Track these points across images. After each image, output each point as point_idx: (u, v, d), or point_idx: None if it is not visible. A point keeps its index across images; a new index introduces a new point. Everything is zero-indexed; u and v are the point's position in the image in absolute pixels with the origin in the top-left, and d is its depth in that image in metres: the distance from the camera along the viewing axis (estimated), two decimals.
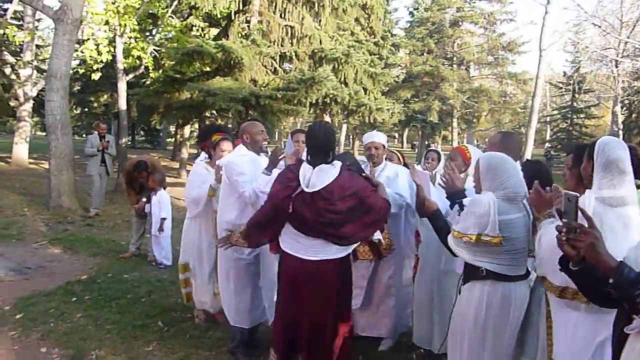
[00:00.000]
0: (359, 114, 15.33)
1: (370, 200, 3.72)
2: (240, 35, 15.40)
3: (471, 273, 3.15)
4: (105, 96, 32.98)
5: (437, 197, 3.82)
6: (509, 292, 3.04)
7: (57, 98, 11.93)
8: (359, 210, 3.68)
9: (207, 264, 5.22)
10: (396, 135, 63.32)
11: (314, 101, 14.19)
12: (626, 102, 38.18)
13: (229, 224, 4.39)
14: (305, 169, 3.70)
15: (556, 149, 42.74)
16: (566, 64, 44.66)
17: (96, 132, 12.20)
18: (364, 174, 4.08)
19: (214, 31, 18.74)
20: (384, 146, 4.97)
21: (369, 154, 4.93)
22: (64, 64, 12.18)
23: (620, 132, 35.61)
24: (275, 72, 15.34)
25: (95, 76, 19.79)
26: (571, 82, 45.13)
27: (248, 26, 15.67)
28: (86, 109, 35.84)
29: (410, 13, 32.78)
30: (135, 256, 8.48)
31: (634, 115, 46.19)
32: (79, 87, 31.58)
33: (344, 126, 36.34)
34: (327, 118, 20.22)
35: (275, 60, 15.79)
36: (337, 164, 3.72)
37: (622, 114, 37.23)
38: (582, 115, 46.65)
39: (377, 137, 4.98)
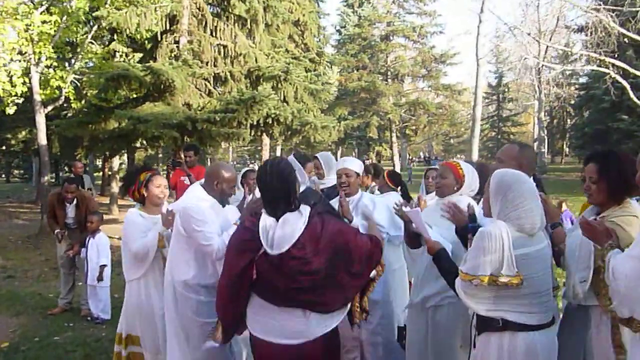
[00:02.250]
0: (302, 134, 14.48)
1: (354, 244, 2.92)
2: (169, 57, 14.29)
3: (485, 322, 2.65)
4: (24, 132, 30.76)
5: (438, 232, 3.34)
6: (534, 343, 2.55)
7: None
8: (341, 261, 2.88)
9: (161, 333, 4.16)
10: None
11: (254, 122, 13.25)
12: (547, 108, 39.80)
13: (184, 286, 3.70)
14: (265, 224, 2.89)
15: (487, 157, 43.68)
16: (489, 75, 46.34)
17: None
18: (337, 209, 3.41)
19: (139, 56, 17.51)
20: (357, 174, 4.37)
21: (339, 182, 4.34)
22: None
23: (545, 137, 37.04)
24: (210, 94, 14.29)
25: (11, 110, 18.14)
26: (495, 92, 47.02)
27: (177, 47, 14.58)
28: (3, 147, 33.50)
29: (338, 31, 32.55)
30: (67, 311, 7.30)
31: (555, 121, 48.64)
32: None
33: (278, 148, 35.54)
34: (265, 139, 19.32)
35: (209, 82, 14.75)
36: (304, 209, 2.93)
37: (545, 120, 38.80)
38: (508, 123, 48.51)
39: (349, 164, 4.40)
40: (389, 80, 28.89)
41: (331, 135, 21.07)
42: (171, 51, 14.58)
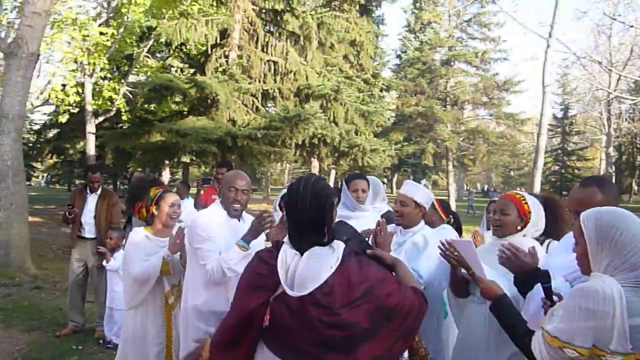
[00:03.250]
0: (350, 156, 13.69)
1: (394, 299, 2.21)
2: (217, 71, 13.90)
3: None
4: (82, 142, 31.37)
5: (495, 277, 2.71)
6: None
7: (8, 141, 10.33)
8: (377, 318, 2.18)
9: None
10: (385, 180, 62.14)
11: (299, 142, 12.59)
12: (615, 143, 37.95)
13: (194, 312, 3.37)
14: (286, 256, 2.27)
15: (549, 192, 41.69)
16: (555, 106, 44.51)
17: None
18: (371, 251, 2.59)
19: (192, 71, 17.33)
20: (418, 204, 3.74)
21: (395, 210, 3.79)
22: (18, 103, 10.62)
23: (613, 174, 35.03)
24: (257, 111, 13.77)
25: (63, 119, 18.32)
26: (561, 124, 44.99)
27: (227, 61, 14.18)
28: (62, 156, 34.28)
29: (398, 56, 31.78)
30: (78, 332, 6.56)
31: (624, 157, 46.06)
32: (54, 134, 30.04)
33: (332, 172, 34.83)
34: (314, 162, 18.66)
35: (256, 98, 14.26)
36: (338, 245, 2.29)
37: (613, 155, 36.94)
38: (573, 157, 46.23)
39: (410, 189, 3.80)
40: (448, 106, 27.77)
41: (384, 160, 20.20)
42: (220, 65, 14.19)
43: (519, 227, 3.09)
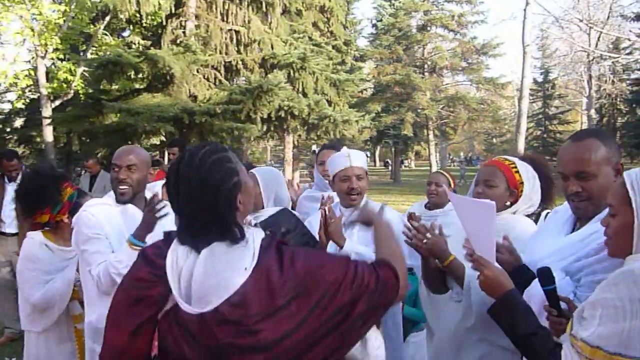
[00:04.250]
0: (321, 129, 12.75)
1: (345, 289, 1.59)
2: (174, 44, 12.81)
3: None
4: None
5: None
6: None
7: None
8: (324, 324, 1.57)
9: None
10: (368, 154, 61.39)
11: (265, 116, 11.64)
12: (597, 106, 37.74)
13: (90, 330, 2.76)
14: (176, 257, 1.59)
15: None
16: (535, 71, 43.83)
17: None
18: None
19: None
20: (366, 172, 3.12)
21: (348, 189, 3.02)
22: None
23: None
24: (220, 85, 12.74)
25: (19, 104, 17.23)
26: (541, 88, 44.48)
27: (184, 33, 13.09)
28: (30, 146, 32.96)
29: (374, 25, 30.72)
30: (15, 340, 5.76)
31: (604, 119, 45.82)
32: (21, 123, 28.73)
33: (314, 147, 33.91)
34: (287, 137, 17.75)
35: (219, 71, 13.23)
36: (254, 237, 1.63)
37: (594, 118, 36.72)
38: (555, 122, 45.83)
39: (357, 159, 3.08)
40: (426, 73, 26.82)
41: (361, 132, 19.33)
42: (177, 37, 13.09)
43: (507, 203, 2.46)
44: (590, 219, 2.00)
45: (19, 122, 27.40)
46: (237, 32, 13.55)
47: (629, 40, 24.77)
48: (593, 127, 34.24)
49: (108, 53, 16.84)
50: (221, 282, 1.48)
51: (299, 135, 15.64)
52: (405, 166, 53.05)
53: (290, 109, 11.68)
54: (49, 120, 14.93)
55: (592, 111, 34.51)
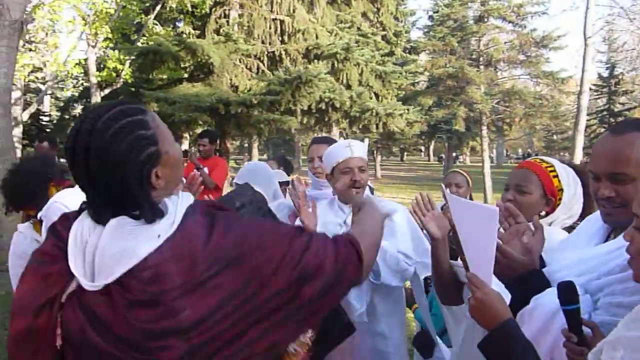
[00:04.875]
0: (364, 122, 12.31)
1: (290, 275, 1.31)
2: (217, 33, 12.66)
3: None
4: None
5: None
6: None
7: None
8: (260, 307, 1.28)
9: None
10: (422, 148, 60.22)
11: (306, 108, 11.31)
12: None
13: None
14: (83, 228, 1.31)
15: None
16: (600, 65, 41.69)
17: None
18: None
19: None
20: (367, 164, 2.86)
21: (351, 182, 2.75)
22: (3, 76, 9.77)
23: None
24: (263, 75, 12.51)
25: (68, 93, 17.60)
26: (606, 83, 42.38)
27: (227, 21, 12.92)
28: None
29: (430, 17, 29.84)
30: None
31: None
32: (79, 111, 29.68)
33: (366, 140, 33.37)
34: (334, 130, 17.38)
35: (261, 61, 12.99)
36: (181, 201, 1.37)
37: None
38: (620, 119, 43.58)
39: (358, 149, 2.82)
40: (481, 66, 25.78)
41: (412, 126, 18.83)
42: (220, 26, 12.94)
43: (543, 212, 2.10)
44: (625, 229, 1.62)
45: (77, 110, 28.29)
46: (281, 21, 13.28)
47: None
48: None
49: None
50: (127, 249, 1.22)
51: (344, 129, 15.24)
52: (460, 162, 51.77)
53: (331, 101, 11.31)
54: None
55: None
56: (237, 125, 10.71)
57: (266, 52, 12.96)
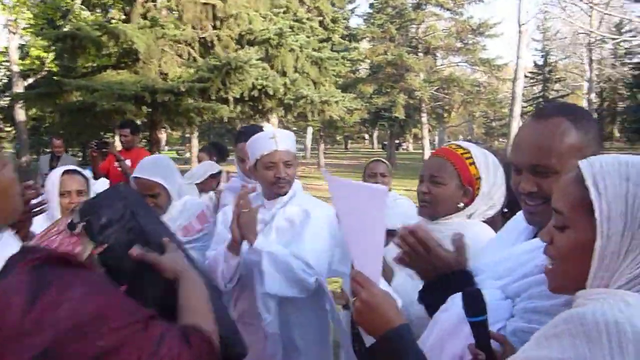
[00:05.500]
0: (299, 109, 12.00)
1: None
2: (144, 17, 12.02)
3: None
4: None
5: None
6: None
7: None
8: None
9: None
10: (366, 136, 60.64)
11: (238, 95, 10.89)
12: (597, 90, 37.16)
13: None
14: None
15: None
16: (535, 53, 42.99)
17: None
18: None
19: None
20: (295, 157, 2.61)
21: (275, 178, 2.49)
22: None
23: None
24: (189, 62, 11.97)
25: None
26: (541, 71, 43.64)
27: (154, 5, 12.29)
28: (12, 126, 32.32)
29: (371, 4, 29.82)
30: None
31: (605, 103, 45.05)
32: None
33: (309, 129, 33.06)
34: (272, 120, 17.01)
35: (193, 48, 12.44)
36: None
37: (594, 102, 36.15)
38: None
39: (284, 141, 2.54)
40: (420, 54, 25.95)
41: (352, 114, 18.68)
42: (147, 11, 12.30)
43: (461, 204, 1.90)
44: None
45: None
46: (213, 5, 12.73)
47: (632, 22, 23.96)
48: (593, 110, 33.57)
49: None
50: None
51: (282, 117, 14.91)
52: (403, 149, 52.32)
53: (264, 88, 10.94)
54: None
55: (593, 95, 34.00)
56: (166, 115, 10.21)
57: (197, 38, 12.42)
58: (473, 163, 1.90)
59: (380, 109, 28.06)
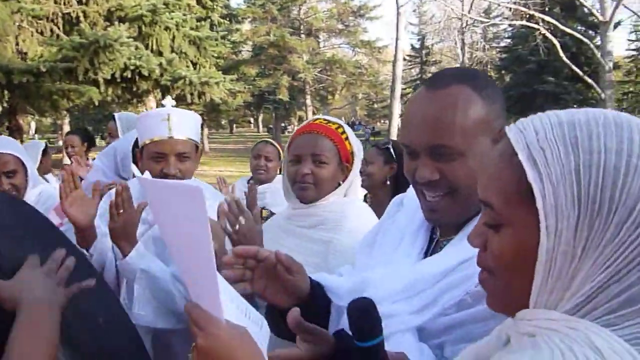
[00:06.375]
0: (177, 91, 11.39)
1: None
2: None
3: None
4: None
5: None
6: None
7: None
8: None
9: None
10: (251, 119, 60.07)
11: (109, 77, 10.11)
12: None
13: None
14: None
15: None
16: (412, 37, 44.93)
17: None
18: None
19: None
20: (197, 147, 2.10)
21: (161, 174, 1.93)
22: None
23: None
24: (52, 40, 10.95)
25: None
26: (418, 54, 45.61)
27: None
28: None
29: None
30: None
31: None
32: None
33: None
34: (149, 103, 16.10)
35: (56, 24, 11.41)
36: None
37: None
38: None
39: (181, 126, 1.99)
40: (302, 35, 25.90)
41: (235, 97, 18.25)
42: None
43: (340, 180, 1.78)
44: (458, 228, 1.16)
45: None
46: None
47: (499, 7, 25.52)
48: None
49: None
50: None
51: (159, 100, 14.10)
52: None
53: (138, 69, 10.22)
54: None
55: None
56: (25, 98, 9.22)
57: (61, 14, 11.40)
58: (347, 138, 1.78)
59: (265, 91, 27.73)
